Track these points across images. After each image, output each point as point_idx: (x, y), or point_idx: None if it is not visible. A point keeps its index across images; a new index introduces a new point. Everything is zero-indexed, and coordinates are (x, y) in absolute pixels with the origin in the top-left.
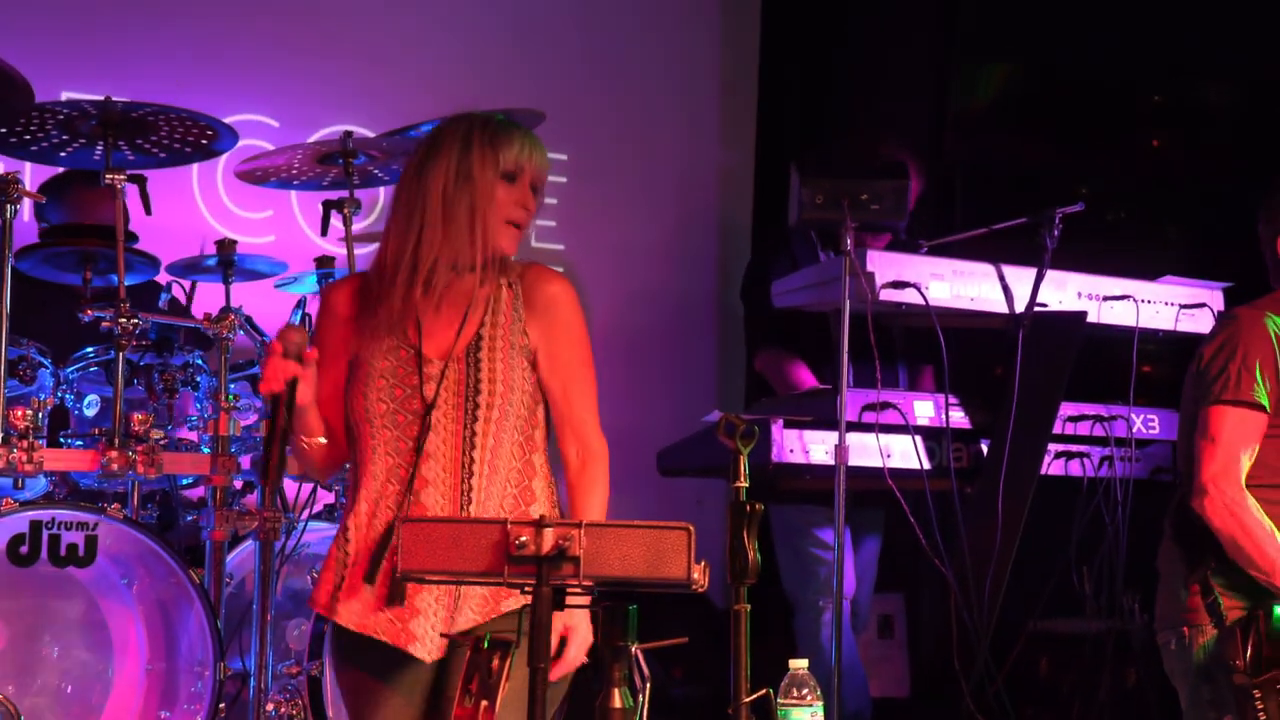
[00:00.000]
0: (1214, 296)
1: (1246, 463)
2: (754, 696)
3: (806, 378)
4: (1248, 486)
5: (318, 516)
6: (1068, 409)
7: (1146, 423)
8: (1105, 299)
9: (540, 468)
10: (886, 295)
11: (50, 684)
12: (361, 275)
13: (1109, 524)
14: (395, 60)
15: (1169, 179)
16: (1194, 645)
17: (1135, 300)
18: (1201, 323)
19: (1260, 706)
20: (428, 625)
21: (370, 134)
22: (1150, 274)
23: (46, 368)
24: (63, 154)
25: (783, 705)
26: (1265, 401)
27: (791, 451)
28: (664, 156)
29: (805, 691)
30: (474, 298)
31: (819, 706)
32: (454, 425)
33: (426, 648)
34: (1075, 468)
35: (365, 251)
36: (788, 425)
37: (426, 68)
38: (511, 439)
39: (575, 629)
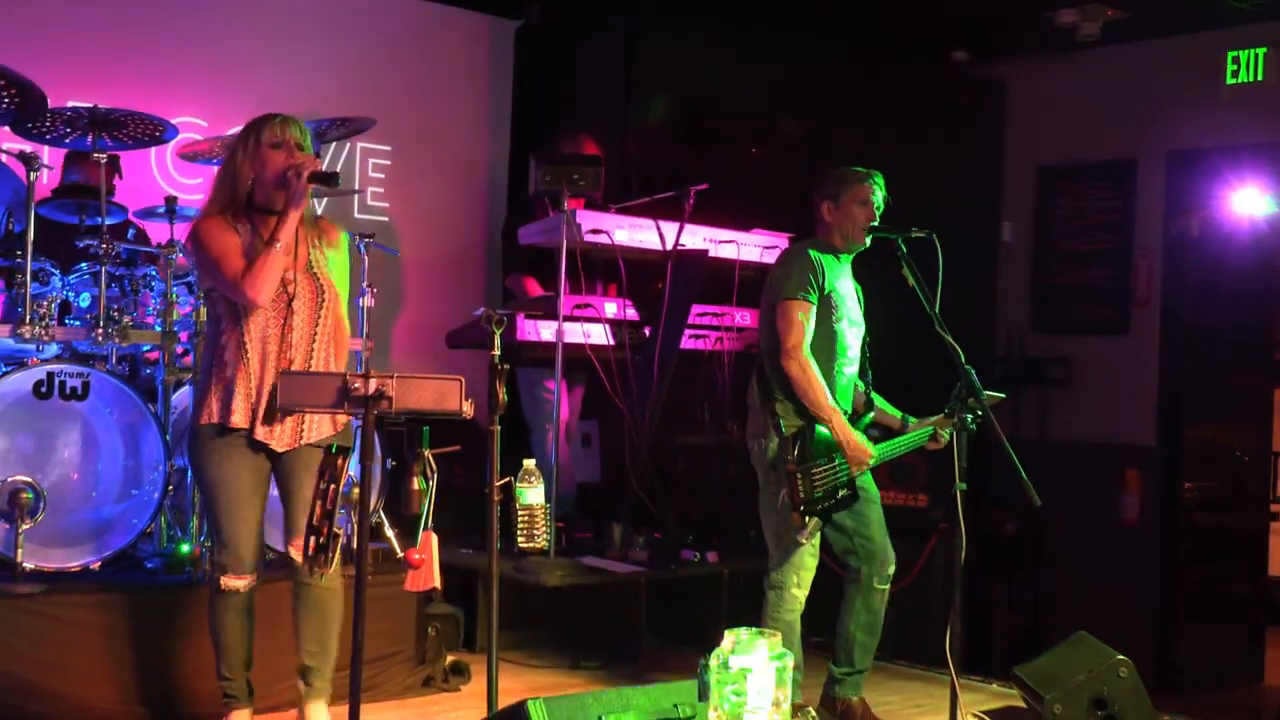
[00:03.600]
0: (784, 242)
1: (808, 337)
2: (501, 482)
3: (537, 289)
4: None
5: None
6: (698, 309)
7: (743, 318)
8: (720, 242)
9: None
10: (589, 238)
11: (63, 475)
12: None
13: (719, 378)
14: (295, 76)
15: (760, 171)
16: (767, 448)
17: (737, 243)
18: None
19: (800, 484)
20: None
21: None
22: (746, 228)
23: (56, 275)
24: (66, 140)
25: (519, 486)
26: (813, 298)
27: (529, 334)
28: (453, 147)
29: (533, 478)
30: (298, 235)
31: (541, 487)
32: (309, 312)
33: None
34: (701, 344)
35: None
36: (527, 317)
37: (313, 78)
38: (332, 324)
39: None
